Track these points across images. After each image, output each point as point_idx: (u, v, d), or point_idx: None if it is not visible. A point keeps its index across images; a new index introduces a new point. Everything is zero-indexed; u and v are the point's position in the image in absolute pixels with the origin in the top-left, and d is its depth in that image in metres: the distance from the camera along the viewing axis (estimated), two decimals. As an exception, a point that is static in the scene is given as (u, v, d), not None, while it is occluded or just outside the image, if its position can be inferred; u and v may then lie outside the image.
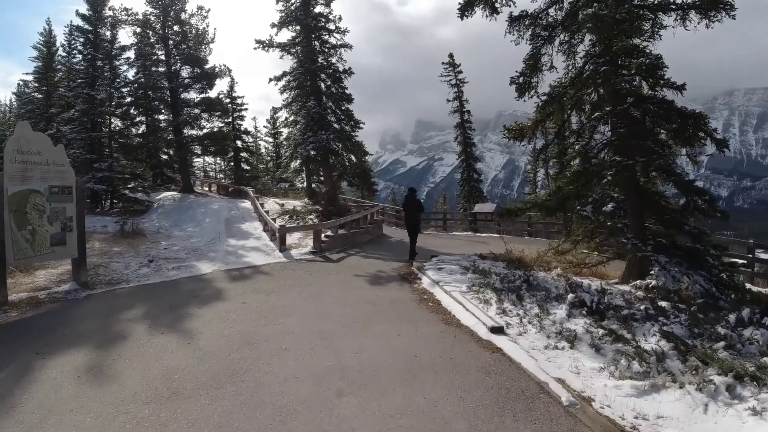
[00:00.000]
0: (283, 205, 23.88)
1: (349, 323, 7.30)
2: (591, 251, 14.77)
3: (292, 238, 16.28)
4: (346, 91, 25.83)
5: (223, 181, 42.13)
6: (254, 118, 53.97)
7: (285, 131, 32.94)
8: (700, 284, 10.73)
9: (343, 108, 25.76)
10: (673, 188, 12.11)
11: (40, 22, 42.96)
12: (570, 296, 8.16)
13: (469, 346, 6.32)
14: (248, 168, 43.54)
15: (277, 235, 14.78)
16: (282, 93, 26.27)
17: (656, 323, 7.78)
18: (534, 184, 46.63)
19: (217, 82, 35.34)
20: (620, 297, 9.35)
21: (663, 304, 8.97)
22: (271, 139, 51.37)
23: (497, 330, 6.76)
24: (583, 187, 11.54)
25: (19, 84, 39.60)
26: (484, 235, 25.41)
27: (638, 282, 10.84)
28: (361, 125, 25.72)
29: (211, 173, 52.94)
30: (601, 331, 7.26)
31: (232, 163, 43.11)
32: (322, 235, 15.64)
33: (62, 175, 9.99)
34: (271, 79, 25.97)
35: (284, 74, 25.87)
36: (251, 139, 47.40)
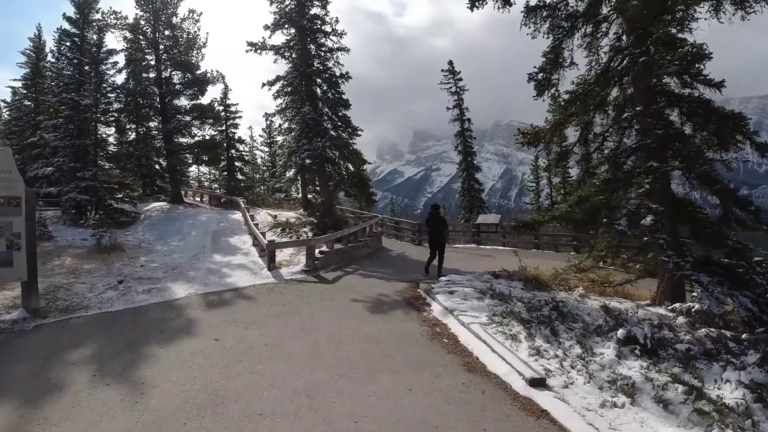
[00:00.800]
0: (275, 216, 22.35)
1: (345, 372, 5.78)
2: (617, 268, 13.35)
3: (282, 255, 14.74)
4: (343, 97, 24.41)
5: (217, 191, 40.61)
6: (250, 128, 52.77)
7: (279, 139, 31.50)
8: (746, 307, 9.29)
9: (340, 114, 24.33)
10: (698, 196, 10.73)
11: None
12: (620, 332, 6.64)
13: (504, 407, 4.79)
14: (242, 178, 42.05)
15: (266, 251, 13.23)
16: (276, 98, 24.85)
17: (726, 364, 6.30)
18: (536, 194, 45.28)
19: (210, 88, 34.07)
20: (666, 328, 7.84)
21: (709, 331, 7.47)
22: (266, 149, 49.99)
23: (538, 382, 5.24)
24: (613, 196, 10.10)
25: (12, 90, 38.11)
26: (488, 247, 24.00)
27: (677, 305, 9.38)
28: (359, 132, 24.28)
29: (206, 183, 51.47)
30: (663, 378, 5.76)
31: (225, 173, 41.57)
32: (317, 250, 14.11)
33: (8, 184, 8.47)
34: (264, 84, 24.57)
35: (278, 78, 24.45)
36: (246, 148, 45.95)
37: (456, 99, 41.91)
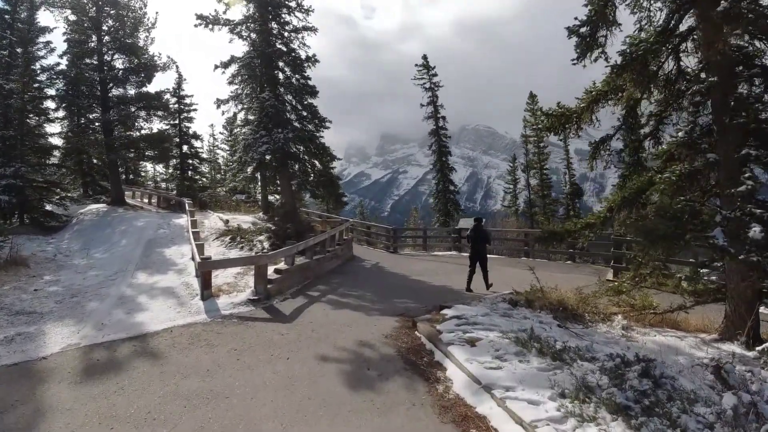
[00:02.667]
0: (227, 221, 18.71)
1: None
2: (658, 289, 10.54)
3: (225, 276, 11.20)
4: (309, 83, 20.99)
5: (172, 192, 36.24)
6: (212, 125, 47.51)
7: (237, 131, 27.45)
8: None
9: (306, 102, 20.91)
10: None
11: None
12: None
13: None
14: (197, 177, 37.89)
15: (198, 273, 9.71)
16: (231, 84, 21.22)
17: None
18: (514, 196, 42.82)
19: (159, 76, 30.25)
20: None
21: None
22: (227, 147, 45.87)
23: None
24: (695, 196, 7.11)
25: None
26: None
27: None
28: (327, 124, 20.91)
29: (163, 184, 46.84)
30: None
31: (178, 172, 37.26)
32: (271, 268, 10.70)
33: None
34: (216, 66, 20.82)
35: (233, 60, 20.79)
36: (202, 145, 41.77)
37: (430, 95, 39.14)
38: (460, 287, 11.95)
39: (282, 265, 11.30)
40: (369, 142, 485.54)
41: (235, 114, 21.63)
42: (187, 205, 20.75)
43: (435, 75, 38.87)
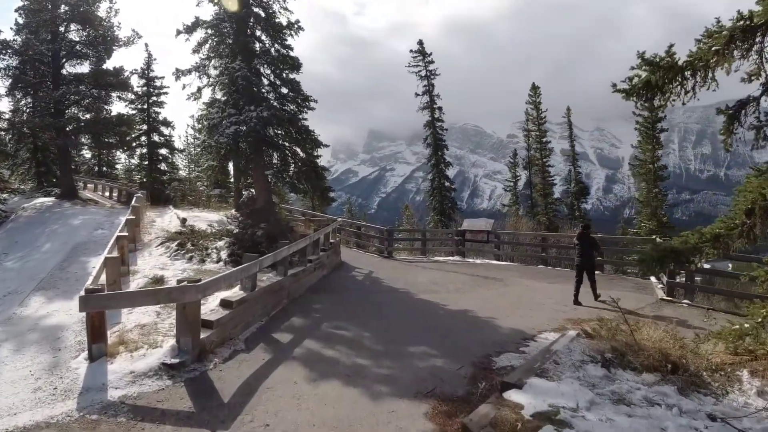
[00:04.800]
0: (185, 220, 15.01)
1: None
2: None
3: (142, 312, 7.43)
4: (291, 53, 17.38)
5: (134, 185, 32.12)
6: (193, 116, 43.03)
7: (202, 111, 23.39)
8: None
9: (286, 77, 17.30)
10: None
11: None
12: None
13: None
14: (167, 169, 33.87)
15: (85, 318, 5.99)
16: (196, 52, 17.46)
17: None
18: (515, 194, 39.61)
19: (125, 54, 26.58)
20: None
21: None
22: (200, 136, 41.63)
23: None
24: None
25: None
26: (479, 261, 18.06)
27: None
28: (311, 103, 17.33)
29: (137, 177, 42.48)
30: None
31: (146, 162, 33.10)
32: (221, 297, 7.11)
33: None
34: (179, 32, 17.01)
35: (199, 23, 17.06)
36: (172, 132, 37.40)
37: (426, 84, 35.92)
38: (490, 314, 8.60)
39: (236, 293, 7.65)
40: (357, 139, 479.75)
41: (199, 89, 17.75)
42: (135, 198, 16.88)
43: (431, 62, 35.61)
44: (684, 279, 11.51)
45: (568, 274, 15.37)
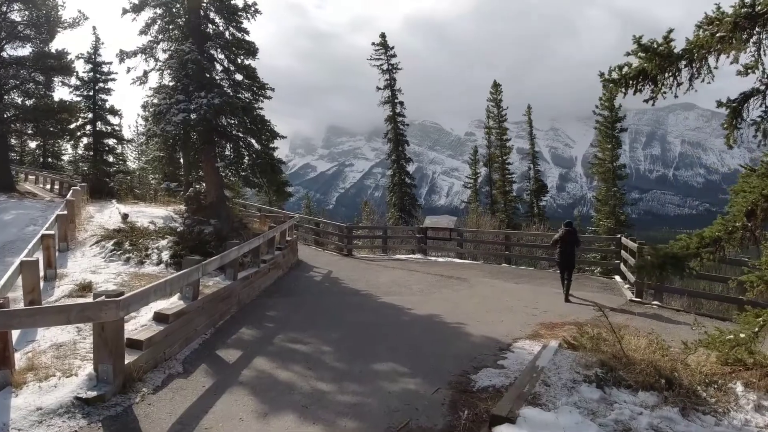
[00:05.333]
0: (126, 216, 13.70)
1: None
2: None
3: (55, 332, 6.22)
4: (247, 38, 16.23)
5: (77, 177, 29.89)
6: (144, 106, 40.07)
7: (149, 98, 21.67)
8: None
9: (241, 63, 16.17)
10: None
11: None
12: None
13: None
14: (114, 160, 31.74)
15: None
16: (143, 34, 16.06)
17: None
18: (475, 191, 39.45)
19: (69, 34, 24.84)
20: None
21: None
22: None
23: None
24: None
25: None
26: (441, 260, 17.62)
27: None
28: (268, 91, 16.28)
29: (85, 168, 39.64)
30: None
31: (91, 153, 30.80)
32: (155, 308, 6.09)
33: None
34: (125, 11, 15.55)
35: (147, 2, 15.66)
36: (120, 122, 35.07)
37: (387, 78, 35.41)
38: (459, 320, 8.01)
39: (174, 303, 6.55)
40: (316, 134, 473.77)
41: (145, 72, 16.35)
42: (72, 191, 15.36)
43: (394, 56, 35.12)
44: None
45: (533, 273, 15.07)
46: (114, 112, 29.90)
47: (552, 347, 6.18)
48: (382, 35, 35.10)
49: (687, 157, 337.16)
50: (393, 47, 34.84)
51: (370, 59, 34.88)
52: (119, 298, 4.60)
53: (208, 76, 15.16)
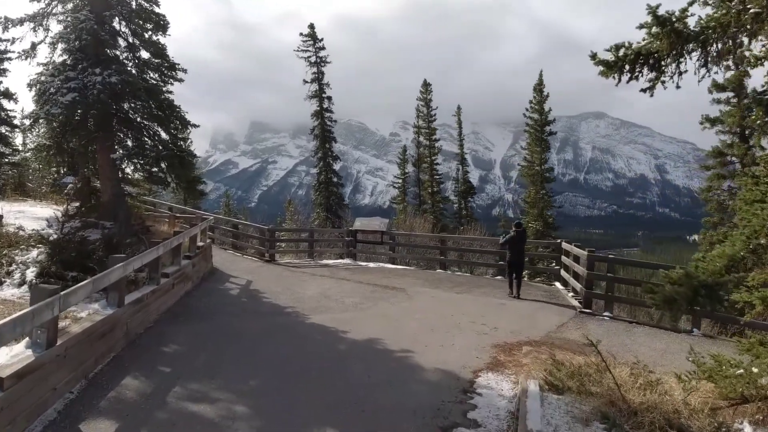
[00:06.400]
0: (0, 218, 11.10)
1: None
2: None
3: None
4: (157, 9, 14.01)
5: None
6: (31, 85, 34.55)
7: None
8: None
9: (148, 38, 13.91)
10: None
11: None
12: None
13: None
14: (3, 150, 27.27)
15: None
16: (36, 0, 13.39)
17: None
18: (403, 191, 38.45)
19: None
20: None
21: None
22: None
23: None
24: None
25: None
26: (372, 265, 16.40)
27: None
28: (179, 73, 14.15)
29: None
30: None
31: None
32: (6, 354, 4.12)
33: None
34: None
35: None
36: (16, 108, 30.40)
37: (315, 71, 34.01)
38: (405, 346, 6.72)
39: (19, 353, 4.37)
40: (238, 129, 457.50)
41: (33, 45, 13.68)
42: None
43: (322, 48, 33.71)
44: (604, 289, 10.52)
45: (471, 280, 14.11)
46: (9, 95, 25.52)
47: (534, 393, 4.95)
48: (311, 26, 33.58)
49: (597, 162, 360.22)
50: (322, 39, 33.44)
51: (298, 50, 33.26)
52: None
53: (108, 51, 12.82)
